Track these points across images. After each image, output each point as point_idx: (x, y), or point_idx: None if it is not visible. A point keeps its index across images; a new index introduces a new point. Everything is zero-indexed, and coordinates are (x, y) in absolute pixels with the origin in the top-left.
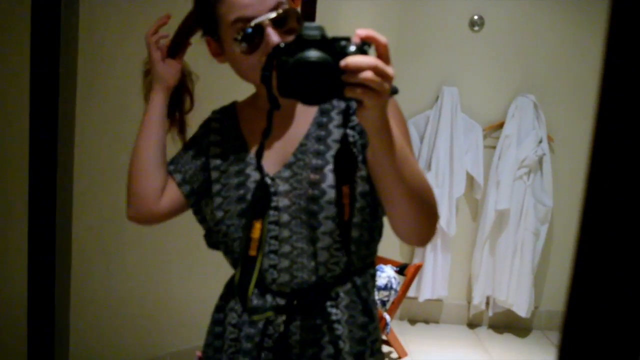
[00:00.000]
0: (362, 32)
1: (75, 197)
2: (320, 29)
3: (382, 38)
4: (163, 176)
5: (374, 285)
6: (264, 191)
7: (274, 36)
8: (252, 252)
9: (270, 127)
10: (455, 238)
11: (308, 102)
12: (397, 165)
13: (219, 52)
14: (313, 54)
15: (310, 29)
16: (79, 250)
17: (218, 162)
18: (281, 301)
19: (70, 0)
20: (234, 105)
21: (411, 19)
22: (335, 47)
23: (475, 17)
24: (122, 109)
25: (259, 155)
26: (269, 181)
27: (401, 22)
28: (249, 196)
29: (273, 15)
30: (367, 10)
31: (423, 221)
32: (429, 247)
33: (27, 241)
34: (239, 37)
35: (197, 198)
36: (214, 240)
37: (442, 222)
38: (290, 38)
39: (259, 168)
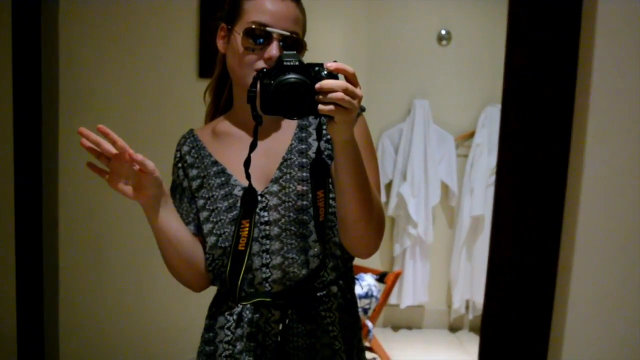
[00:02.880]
0: (331, 65)
1: (61, 208)
2: (296, 56)
3: (349, 68)
4: (199, 258)
5: (354, 287)
6: (251, 194)
7: (275, 49)
8: (241, 247)
9: (256, 140)
10: (433, 245)
11: (288, 116)
12: (355, 179)
13: (225, 42)
14: (292, 76)
15: (288, 57)
16: (66, 264)
17: (198, 182)
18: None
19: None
20: (192, 132)
21: (381, 35)
22: (311, 72)
23: (443, 32)
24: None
25: (247, 164)
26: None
27: (371, 39)
28: (238, 203)
29: (287, 34)
30: (338, 28)
31: (370, 233)
32: (407, 254)
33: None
34: (248, 38)
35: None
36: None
37: (420, 230)
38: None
39: (247, 175)
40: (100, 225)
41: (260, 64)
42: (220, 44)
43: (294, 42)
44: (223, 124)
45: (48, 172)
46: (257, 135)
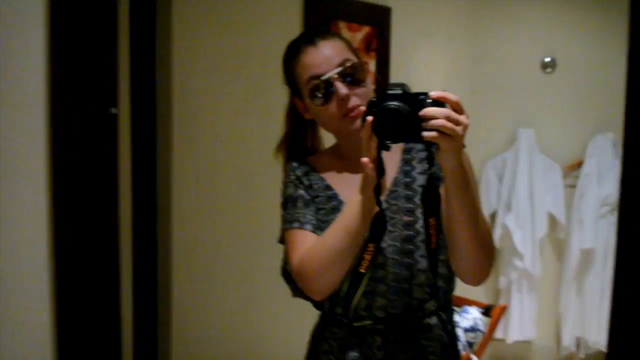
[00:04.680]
0: (435, 94)
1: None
2: (404, 85)
3: (452, 96)
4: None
5: (453, 319)
6: (381, 219)
7: (342, 89)
8: (362, 270)
9: (382, 166)
10: (541, 278)
11: (392, 141)
12: (465, 205)
13: (305, 110)
14: (392, 103)
15: (393, 86)
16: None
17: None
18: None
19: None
20: (305, 159)
21: (484, 64)
22: (415, 100)
23: (547, 60)
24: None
25: (377, 190)
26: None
27: (474, 68)
28: None
29: (339, 70)
30: (440, 57)
31: (481, 262)
32: (514, 287)
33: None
34: (314, 93)
35: None
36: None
37: (526, 263)
38: (359, 89)
39: (378, 202)
40: (212, 250)
41: (344, 109)
42: (306, 116)
43: (352, 70)
44: (329, 156)
45: (162, 198)
46: (382, 161)
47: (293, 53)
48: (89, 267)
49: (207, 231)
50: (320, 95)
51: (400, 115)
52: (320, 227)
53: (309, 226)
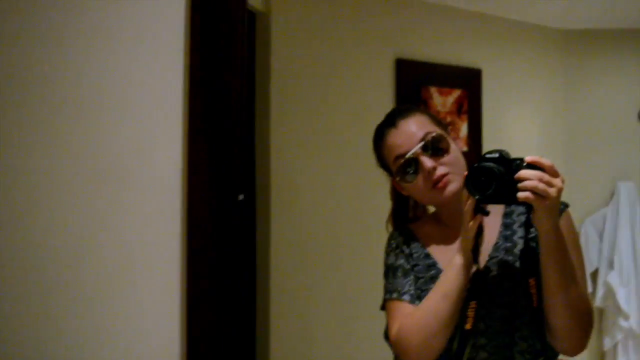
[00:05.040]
0: (530, 158)
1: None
2: (500, 151)
3: (546, 161)
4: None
5: None
6: (481, 276)
7: (427, 162)
8: (468, 326)
9: (482, 228)
10: None
11: (488, 201)
12: (560, 267)
13: (400, 187)
14: (487, 163)
15: (490, 152)
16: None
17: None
18: None
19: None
20: (407, 226)
21: (577, 117)
22: (512, 164)
23: None
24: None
25: (476, 251)
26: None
27: (567, 124)
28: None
29: (421, 145)
30: (532, 116)
31: (577, 328)
32: (620, 349)
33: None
34: (401, 171)
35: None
36: None
37: (633, 322)
38: (445, 157)
39: (475, 260)
40: (309, 278)
41: (431, 181)
42: (403, 193)
43: (434, 142)
44: (431, 224)
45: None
46: (482, 224)
47: (379, 137)
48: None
49: (303, 300)
50: (407, 172)
51: (493, 174)
52: (419, 296)
53: (407, 297)
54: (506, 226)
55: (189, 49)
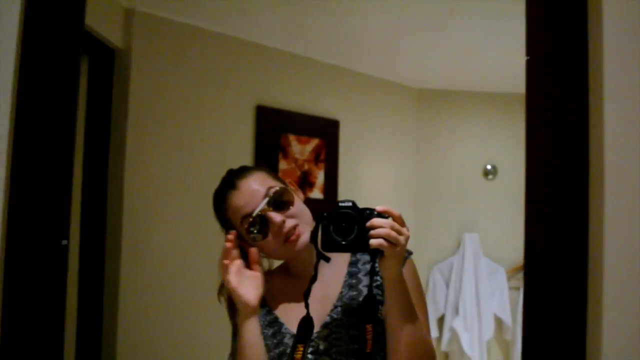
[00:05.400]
0: (380, 207)
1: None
2: (352, 201)
3: (395, 211)
4: None
5: None
6: (307, 322)
7: (275, 217)
8: None
9: (316, 275)
10: None
11: (343, 251)
12: (404, 314)
13: (250, 246)
14: (345, 210)
15: (344, 202)
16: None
17: None
18: None
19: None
20: None
21: (429, 173)
22: (363, 214)
23: (489, 167)
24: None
25: (307, 295)
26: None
27: (420, 177)
28: (288, 350)
29: (266, 201)
30: (387, 168)
31: None
32: None
33: None
34: (250, 230)
35: None
36: None
37: None
38: (291, 210)
39: (306, 305)
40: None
41: (282, 235)
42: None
43: (279, 195)
44: (279, 277)
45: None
46: (317, 270)
47: (220, 202)
48: None
49: (151, 345)
50: (256, 231)
51: (355, 220)
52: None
53: None
54: (351, 275)
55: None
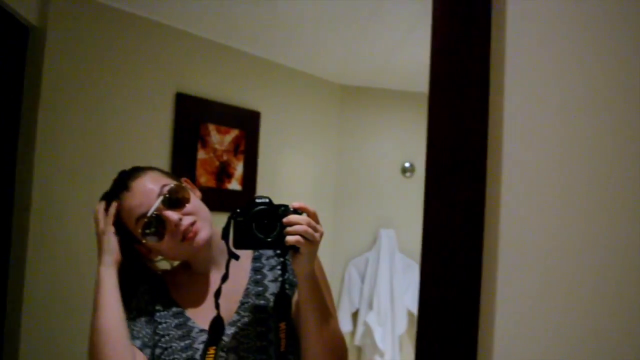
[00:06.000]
0: (296, 204)
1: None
2: (268, 198)
3: (310, 208)
4: (130, 347)
5: None
6: (219, 323)
7: (172, 215)
8: None
9: (227, 273)
10: None
11: (259, 248)
12: (316, 310)
13: (148, 251)
14: (266, 208)
15: (259, 198)
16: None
17: (155, 325)
18: None
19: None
20: (160, 276)
21: (348, 169)
22: (279, 210)
23: (407, 165)
24: (73, 267)
25: (217, 294)
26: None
27: (339, 173)
28: (197, 355)
29: (161, 199)
30: (306, 162)
31: None
32: None
33: None
34: (146, 232)
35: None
36: None
37: (387, 359)
38: (188, 207)
39: (217, 306)
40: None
41: (179, 234)
42: (152, 257)
43: (174, 193)
44: (179, 273)
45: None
46: (228, 268)
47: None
48: None
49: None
50: (153, 231)
51: (277, 217)
52: (159, 344)
53: (138, 342)
54: (256, 270)
55: None
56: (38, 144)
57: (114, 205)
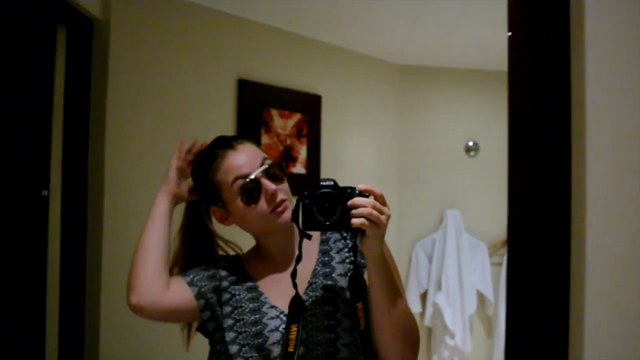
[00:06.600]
0: (362, 186)
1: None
2: (333, 180)
3: (377, 190)
4: (166, 270)
5: None
6: (299, 302)
7: (270, 185)
8: (291, 349)
9: (301, 254)
10: (472, 355)
11: (326, 230)
12: (386, 291)
13: (225, 216)
14: (327, 190)
15: (324, 181)
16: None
17: (228, 296)
18: None
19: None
20: (237, 256)
21: (411, 150)
22: (345, 193)
23: (470, 144)
24: None
25: (294, 275)
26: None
27: (402, 154)
28: (265, 331)
29: (264, 168)
30: (369, 143)
31: (403, 348)
32: None
33: None
34: (242, 192)
35: (211, 315)
36: None
37: (457, 340)
38: (282, 185)
39: (294, 285)
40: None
41: (272, 204)
42: (225, 224)
43: (272, 167)
44: (255, 259)
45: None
46: (301, 249)
47: (211, 160)
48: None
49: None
50: (251, 193)
51: (338, 200)
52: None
53: (187, 278)
54: (323, 253)
55: None
56: (107, 132)
57: (199, 144)
